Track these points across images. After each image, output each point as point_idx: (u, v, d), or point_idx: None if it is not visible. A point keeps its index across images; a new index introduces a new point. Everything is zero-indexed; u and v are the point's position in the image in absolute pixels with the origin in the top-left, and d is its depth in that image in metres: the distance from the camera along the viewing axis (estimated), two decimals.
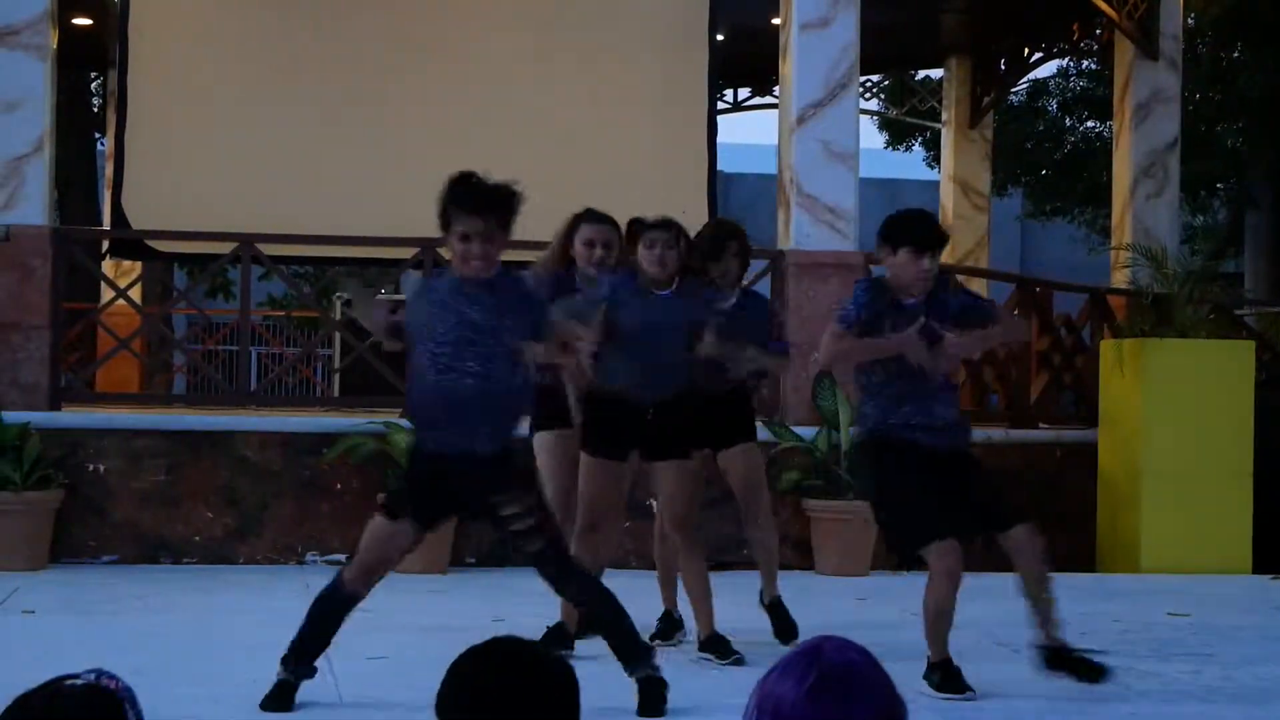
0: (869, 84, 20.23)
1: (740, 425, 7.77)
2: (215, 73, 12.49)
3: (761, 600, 7.91)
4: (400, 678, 6.53)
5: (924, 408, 6.59)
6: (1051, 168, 25.17)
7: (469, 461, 5.84)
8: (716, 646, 7.08)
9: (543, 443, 7.46)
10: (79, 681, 2.52)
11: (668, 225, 7.12)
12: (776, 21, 12.04)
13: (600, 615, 6.16)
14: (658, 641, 7.44)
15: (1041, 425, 12.99)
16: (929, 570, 6.69)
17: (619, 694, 6.24)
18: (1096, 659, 6.69)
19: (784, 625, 7.68)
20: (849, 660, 2.45)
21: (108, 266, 14.70)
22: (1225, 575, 10.66)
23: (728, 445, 7.71)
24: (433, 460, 5.93)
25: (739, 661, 7.00)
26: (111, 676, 2.54)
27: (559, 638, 7.10)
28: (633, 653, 6.09)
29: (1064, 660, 6.70)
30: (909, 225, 6.65)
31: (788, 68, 11.58)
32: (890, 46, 16.42)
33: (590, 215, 7.51)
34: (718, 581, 7.62)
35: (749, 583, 8.27)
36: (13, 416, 9.90)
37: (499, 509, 5.90)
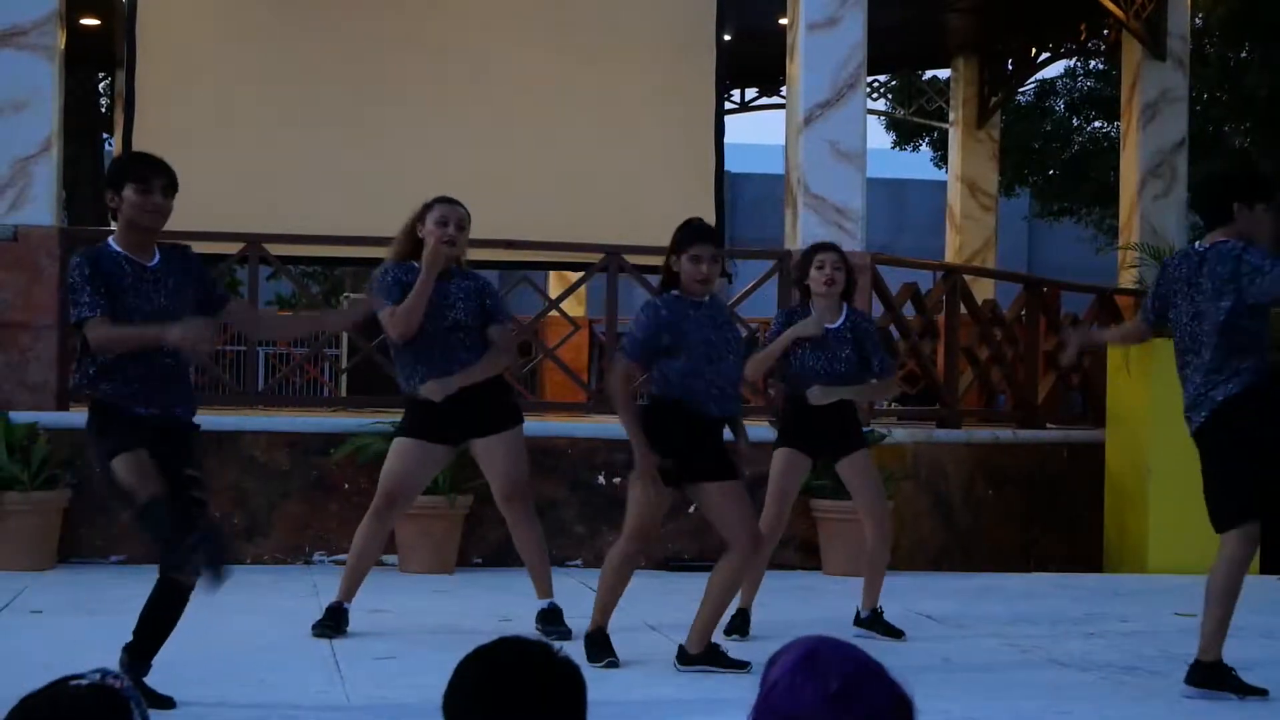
0: (876, 84, 20.24)
1: (852, 432, 7.83)
2: (223, 73, 12.50)
3: (858, 616, 7.95)
4: (407, 678, 6.53)
5: None
6: (1059, 168, 25.15)
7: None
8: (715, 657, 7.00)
9: (397, 446, 7.58)
10: (84, 681, 2.52)
11: (710, 237, 6.92)
12: (784, 22, 12.03)
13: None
14: (735, 637, 7.68)
15: (1049, 425, 12.99)
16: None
17: (618, 690, 6.25)
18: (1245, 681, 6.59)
19: (887, 632, 7.87)
20: (848, 659, 2.47)
21: None
22: None
23: (845, 453, 7.81)
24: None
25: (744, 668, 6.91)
26: (117, 676, 2.55)
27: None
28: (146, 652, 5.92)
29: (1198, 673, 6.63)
30: None
31: (795, 68, 11.58)
32: (897, 46, 16.43)
33: (442, 199, 7.56)
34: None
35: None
36: (20, 416, 9.91)
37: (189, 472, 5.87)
